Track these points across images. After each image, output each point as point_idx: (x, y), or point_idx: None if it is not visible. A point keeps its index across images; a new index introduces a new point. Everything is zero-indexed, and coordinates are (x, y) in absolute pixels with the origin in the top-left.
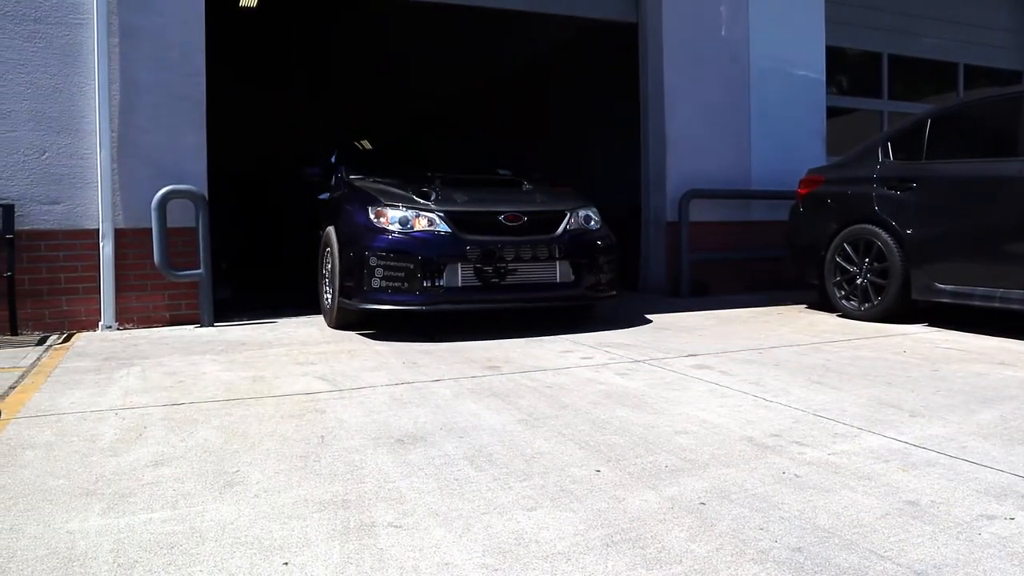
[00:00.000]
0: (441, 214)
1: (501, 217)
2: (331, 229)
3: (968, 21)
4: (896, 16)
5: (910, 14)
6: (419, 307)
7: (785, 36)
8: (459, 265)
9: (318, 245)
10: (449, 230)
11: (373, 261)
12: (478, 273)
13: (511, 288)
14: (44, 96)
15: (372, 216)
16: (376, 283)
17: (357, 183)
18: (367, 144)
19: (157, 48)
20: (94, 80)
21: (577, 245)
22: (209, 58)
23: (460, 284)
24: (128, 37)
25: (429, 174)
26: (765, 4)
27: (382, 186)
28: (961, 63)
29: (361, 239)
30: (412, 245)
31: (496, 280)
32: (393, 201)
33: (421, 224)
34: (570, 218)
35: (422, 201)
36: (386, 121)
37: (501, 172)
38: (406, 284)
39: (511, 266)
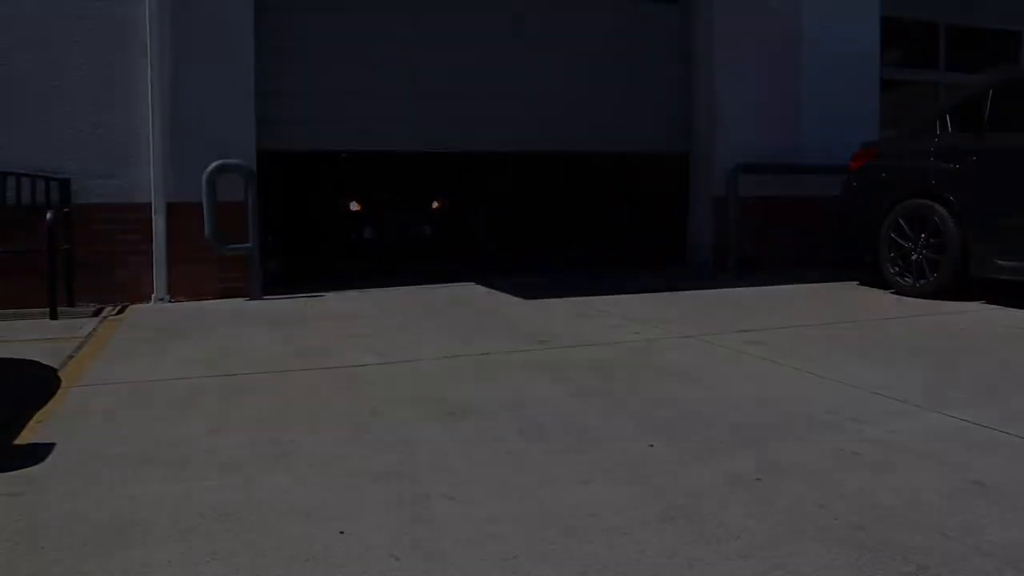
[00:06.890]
0: (365, 204)
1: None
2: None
3: None
4: None
5: None
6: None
7: (838, 5)
8: (371, 227)
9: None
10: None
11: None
12: (382, 231)
13: (400, 239)
14: (97, 73)
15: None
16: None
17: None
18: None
19: (208, 24)
20: (146, 56)
21: (437, 218)
22: None
23: (372, 237)
24: (179, 13)
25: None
26: None
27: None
28: (1023, 31)
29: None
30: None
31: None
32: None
33: (355, 208)
34: (437, 205)
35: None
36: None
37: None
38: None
39: (400, 228)
